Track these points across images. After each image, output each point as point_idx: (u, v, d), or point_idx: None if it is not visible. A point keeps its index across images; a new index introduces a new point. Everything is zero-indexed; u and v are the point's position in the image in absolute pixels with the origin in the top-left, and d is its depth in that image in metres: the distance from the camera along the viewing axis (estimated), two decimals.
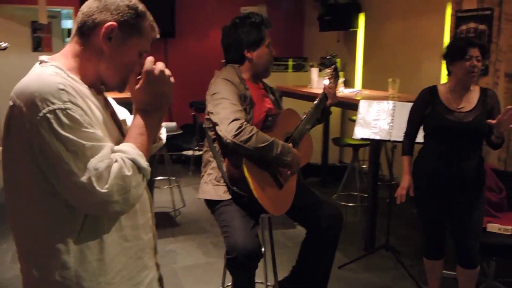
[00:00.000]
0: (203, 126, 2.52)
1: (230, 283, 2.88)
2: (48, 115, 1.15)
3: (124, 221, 1.36)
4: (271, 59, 2.57)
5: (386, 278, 3.61)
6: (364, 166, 5.47)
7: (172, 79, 1.36)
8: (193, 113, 6.22)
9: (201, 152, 3.00)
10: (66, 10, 7.16)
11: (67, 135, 1.16)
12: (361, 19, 6.22)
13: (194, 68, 6.77)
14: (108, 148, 1.23)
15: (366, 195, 4.88)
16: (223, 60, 6.57)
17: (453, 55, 2.70)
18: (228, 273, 2.75)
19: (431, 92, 2.83)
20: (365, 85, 6.08)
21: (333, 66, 2.87)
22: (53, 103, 1.16)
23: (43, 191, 1.23)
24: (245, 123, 2.24)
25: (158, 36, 1.40)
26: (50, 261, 1.25)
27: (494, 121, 2.47)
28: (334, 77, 2.79)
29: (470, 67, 2.64)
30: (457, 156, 2.71)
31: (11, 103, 1.20)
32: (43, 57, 1.30)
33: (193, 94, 6.09)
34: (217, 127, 2.30)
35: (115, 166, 1.21)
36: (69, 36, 7.37)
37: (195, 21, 6.86)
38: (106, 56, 1.30)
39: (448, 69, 2.79)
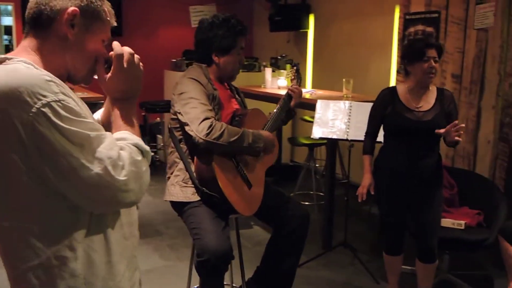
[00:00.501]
0: (169, 127, 2.47)
1: (196, 286, 2.86)
2: (43, 109, 1.05)
3: (123, 218, 1.30)
4: (239, 66, 2.56)
5: (345, 274, 3.69)
6: (317, 165, 5.55)
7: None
8: (143, 114, 6.11)
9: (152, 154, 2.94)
10: (5, 6, 6.85)
11: (70, 127, 1.07)
12: (311, 20, 6.31)
13: (143, 68, 6.62)
14: (111, 136, 1.17)
15: (322, 194, 4.98)
16: (174, 60, 6.50)
17: (412, 56, 2.78)
18: (193, 276, 2.74)
19: (391, 92, 2.91)
20: (315, 85, 6.17)
21: (295, 68, 2.89)
22: (45, 96, 1.06)
23: (42, 196, 1.13)
24: (215, 121, 2.23)
25: (115, 23, 1.34)
26: (57, 272, 1.16)
27: (442, 131, 2.58)
28: (297, 78, 2.81)
29: (429, 68, 2.73)
30: (416, 154, 2.80)
31: None
32: (1, 56, 1.19)
33: (143, 94, 5.80)
34: (186, 127, 2.26)
35: (125, 153, 1.16)
36: (7, 34, 7.07)
37: (143, 19, 6.71)
38: (70, 45, 1.22)
39: (406, 70, 2.88)
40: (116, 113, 1.28)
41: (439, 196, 2.90)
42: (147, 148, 1.23)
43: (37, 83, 1.07)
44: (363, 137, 3.09)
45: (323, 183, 5.08)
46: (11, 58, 1.16)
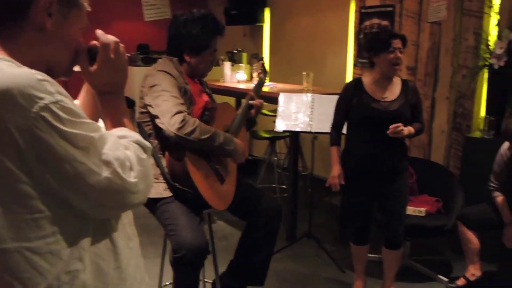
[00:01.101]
0: (137, 121, 2.42)
1: (168, 283, 2.83)
2: (42, 113, 0.96)
3: (124, 218, 1.23)
4: (211, 65, 2.51)
5: (311, 265, 3.74)
6: (276, 158, 5.59)
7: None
8: None
9: None
10: None
11: (73, 130, 0.99)
12: (267, 13, 6.34)
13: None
14: (113, 136, 1.10)
15: (284, 187, 5.03)
16: (128, 54, 6.37)
17: (377, 47, 2.84)
18: (164, 272, 2.71)
19: (356, 84, 2.96)
20: (272, 79, 6.18)
21: (261, 62, 2.89)
22: (41, 98, 0.96)
23: (46, 208, 1.03)
24: (187, 115, 2.20)
25: (89, 8, 1.23)
26: (67, 286, 1.06)
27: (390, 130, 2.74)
28: (263, 72, 2.81)
29: (394, 59, 2.80)
30: (383, 144, 2.87)
31: None
32: None
33: None
34: (157, 120, 2.22)
35: (130, 152, 1.09)
36: None
37: (95, 13, 6.48)
38: (49, 36, 1.11)
39: (371, 61, 2.93)
40: (107, 108, 1.22)
41: (404, 184, 2.99)
42: (148, 144, 1.18)
43: (29, 83, 0.96)
44: (326, 129, 3.13)
45: (284, 176, 5.13)
46: None
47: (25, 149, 0.97)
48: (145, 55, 5.90)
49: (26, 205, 1.01)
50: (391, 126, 2.73)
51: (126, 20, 6.61)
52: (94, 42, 1.20)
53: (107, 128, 1.20)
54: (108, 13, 6.48)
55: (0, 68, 1.00)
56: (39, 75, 0.99)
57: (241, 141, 2.46)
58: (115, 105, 1.22)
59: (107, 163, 1.03)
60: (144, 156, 1.13)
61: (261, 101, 2.66)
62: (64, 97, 1.01)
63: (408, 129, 2.79)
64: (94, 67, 1.19)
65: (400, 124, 2.74)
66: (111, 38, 1.19)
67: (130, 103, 5.95)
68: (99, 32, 1.20)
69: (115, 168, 1.03)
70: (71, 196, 1.03)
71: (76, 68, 1.24)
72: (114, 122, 1.20)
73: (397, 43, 2.79)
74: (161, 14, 6.74)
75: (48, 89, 0.98)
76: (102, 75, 1.19)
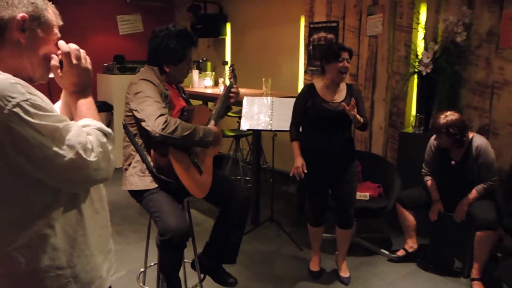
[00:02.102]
0: (123, 123, 2.41)
1: (152, 263, 2.82)
2: (14, 109, 1.04)
3: (93, 194, 1.31)
4: (187, 73, 2.52)
5: (274, 245, 3.79)
6: (239, 154, 5.62)
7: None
8: None
9: None
10: None
11: (40, 122, 1.07)
12: (228, 27, 6.35)
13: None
14: (77, 124, 1.18)
15: (248, 178, 5.06)
16: (106, 64, 6.24)
17: (329, 57, 2.92)
18: (149, 254, 2.70)
19: (310, 88, 3.03)
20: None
21: (231, 68, 2.91)
22: (13, 98, 1.04)
23: (23, 186, 1.12)
24: (169, 117, 2.20)
25: (61, 22, 1.31)
26: (40, 248, 1.15)
27: (347, 108, 2.79)
28: (234, 77, 2.84)
29: (342, 68, 2.89)
30: (333, 138, 2.95)
31: None
32: None
33: None
34: (143, 123, 2.21)
35: (91, 137, 1.18)
36: None
37: (72, 28, 6.36)
38: (24, 48, 1.19)
39: (323, 68, 3.01)
40: (77, 104, 1.29)
41: (353, 171, 3.07)
42: (109, 130, 1.26)
43: (4, 87, 1.05)
44: (285, 127, 3.18)
45: (248, 169, 5.17)
46: None
47: (3, 141, 1.04)
48: (121, 65, 5.80)
49: (8, 185, 1.10)
50: (350, 105, 2.79)
51: (103, 33, 6.46)
52: (59, 51, 1.27)
53: (79, 118, 1.27)
54: (88, 27, 6.33)
55: None
56: (12, 79, 1.08)
57: (217, 129, 2.49)
58: (84, 101, 1.29)
59: (71, 147, 1.11)
60: (104, 140, 1.21)
61: (237, 88, 2.72)
62: (33, 96, 1.09)
63: (359, 116, 2.88)
64: (61, 73, 1.27)
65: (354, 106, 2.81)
66: (72, 46, 1.27)
67: (108, 107, 5.85)
68: (60, 42, 1.27)
69: (78, 150, 1.12)
70: (44, 175, 1.11)
71: (51, 75, 1.31)
72: (82, 115, 1.27)
73: (345, 55, 2.89)
74: (134, 28, 6.66)
75: (19, 90, 1.06)
76: (69, 78, 1.28)
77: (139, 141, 2.36)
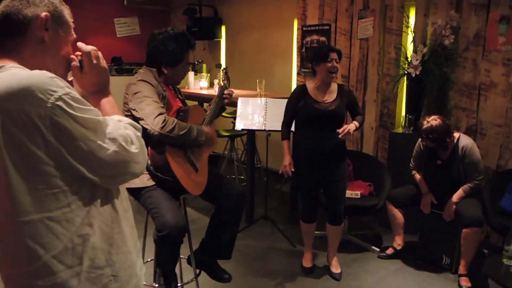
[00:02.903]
0: None
1: (149, 259, 2.84)
2: (58, 102, 1.01)
3: (122, 193, 1.28)
4: (184, 75, 2.55)
5: (267, 241, 3.82)
6: (234, 153, 5.65)
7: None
8: None
9: None
10: None
11: (83, 115, 1.06)
12: (223, 30, 6.38)
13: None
14: (113, 119, 1.17)
15: (242, 177, 5.09)
16: None
17: (318, 58, 2.97)
18: (146, 250, 2.73)
19: (302, 89, 3.07)
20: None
21: (224, 71, 2.95)
22: (55, 91, 1.02)
23: (65, 183, 1.07)
24: (167, 116, 2.23)
25: (73, 25, 1.30)
26: (81, 249, 1.11)
27: (340, 131, 2.87)
28: (227, 79, 2.87)
29: (331, 67, 2.93)
30: (324, 136, 2.98)
31: None
32: None
33: None
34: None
35: (129, 131, 1.17)
36: None
37: (74, 30, 6.36)
38: (48, 46, 1.18)
39: (313, 70, 3.05)
40: (100, 102, 1.28)
41: (344, 170, 3.11)
42: (139, 126, 1.26)
43: (44, 80, 1.02)
44: (279, 127, 3.22)
45: (242, 169, 5.20)
46: (2, 66, 1.10)
47: (48, 135, 1.02)
48: (119, 66, 5.82)
49: (47, 182, 1.05)
50: (339, 131, 2.85)
51: (101, 36, 6.47)
52: (78, 53, 1.27)
53: (110, 113, 1.26)
54: (86, 30, 6.33)
55: (15, 72, 1.07)
56: (50, 73, 1.06)
57: (211, 134, 2.52)
58: (106, 100, 1.29)
59: (113, 140, 1.11)
60: (139, 134, 1.22)
61: (232, 90, 2.73)
62: (72, 90, 1.07)
63: (354, 125, 2.93)
64: (83, 73, 1.26)
65: (345, 126, 2.87)
66: (90, 47, 1.27)
67: None
68: (80, 44, 1.27)
69: (120, 143, 1.12)
70: (85, 169, 1.08)
71: (70, 78, 1.30)
72: (108, 112, 1.26)
73: (333, 55, 2.93)
74: (131, 31, 6.67)
75: (59, 84, 1.05)
76: (90, 78, 1.27)
77: None
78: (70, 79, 1.31)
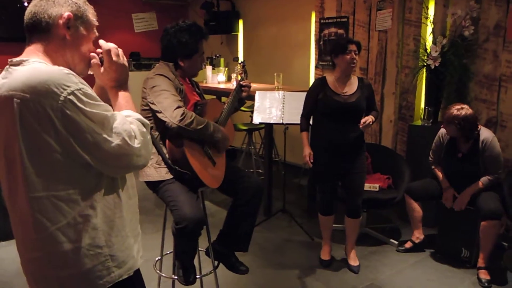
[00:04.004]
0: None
1: (168, 252, 2.90)
2: (69, 97, 1.13)
3: (128, 181, 1.38)
4: (201, 66, 2.58)
5: (285, 234, 3.86)
6: (252, 147, 5.68)
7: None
8: None
9: None
10: None
11: (92, 110, 1.16)
12: (241, 24, 6.40)
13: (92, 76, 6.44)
14: (121, 114, 1.26)
15: (260, 171, 5.13)
16: None
17: (337, 50, 2.97)
18: (165, 243, 2.78)
19: (322, 81, 3.09)
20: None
21: (242, 64, 2.97)
22: (69, 86, 1.13)
23: (71, 168, 1.19)
24: (186, 109, 2.27)
25: (97, 23, 1.39)
26: (82, 227, 1.23)
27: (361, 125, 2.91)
28: (244, 72, 2.89)
29: (350, 59, 2.93)
30: (343, 129, 3.00)
31: (16, 100, 1.12)
32: (15, 59, 1.24)
33: None
34: (160, 115, 2.27)
35: (134, 126, 1.26)
36: None
37: None
38: (69, 44, 1.28)
39: (333, 62, 3.06)
40: (116, 97, 1.37)
41: (362, 163, 3.12)
42: (147, 121, 1.34)
43: (60, 76, 1.14)
44: (296, 120, 3.23)
45: (260, 162, 5.24)
46: (26, 60, 1.22)
47: (59, 125, 1.14)
48: (137, 62, 5.91)
49: (55, 166, 1.18)
50: (362, 121, 2.90)
51: (119, 31, 6.57)
52: (99, 50, 1.36)
53: (119, 110, 1.34)
54: (104, 26, 6.41)
55: (38, 67, 1.19)
56: (66, 70, 1.18)
57: (226, 130, 2.55)
58: (123, 95, 1.38)
59: (118, 134, 1.21)
60: (144, 129, 1.30)
61: (249, 81, 2.75)
62: (85, 86, 1.18)
63: (370, 118, 2.94)
64: (102, 68, 1.36)
65: (366, 118, 2.90)
66: (111, 45, 1.36)
67: None
68: (101, 41, 1.36)
69: (124, 137, 1.21)
70: (91, 159, 1.20)
71: (90, 72, 1.40)
72: (122, 107, 1.36)
73: (352, 47, 2.93)
74: (149, 26, 6.75)
75: (73, 80, 1.16)
76: (110, 74, 1.36)
77: (155, 133, 2.43)
78: (91, 73, 1.40)
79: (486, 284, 2.99)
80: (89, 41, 1.34)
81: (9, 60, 1.24)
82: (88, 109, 1.15)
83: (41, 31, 1.26)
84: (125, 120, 1.25)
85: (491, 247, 3.05)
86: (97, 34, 1.37)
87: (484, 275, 3.03)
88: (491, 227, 2.99)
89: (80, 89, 1.15)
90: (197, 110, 2.49)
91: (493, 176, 3.13)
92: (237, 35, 6.48)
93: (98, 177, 1.25)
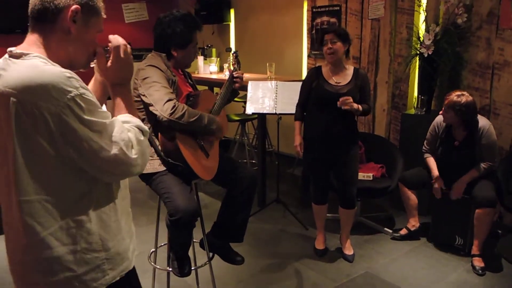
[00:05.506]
0: None
1: (163, 243, 2.89)
2: (68, 103, 1.09)
3: (122, 182, 1.36)
4: (194, 57, 2.54)
5: (280, 224, 3.86)
6: (245, 138, 5.66)
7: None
8: None
9: None
10: None
11: (90, 118, 1.13)
12: (232, 13, 6.34)
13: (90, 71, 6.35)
14: (120, 121, 1.23)
15: (254, 161, 5.12)
16: None
17: (319, 43, 3.01)
18: (159, 235, 2.77)
19: (316, 70, 3.08)
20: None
21: (235, 54, 2.94)
22: (69, 91, 1.09)
23: (64, 173, 1.16)
24: (177, 102, 2.24)
25: (104, 16, 1.34)
26: (75, 232, 1.20)
27: (338, 103, 2.85)
28: (237, 62, 2.87)
29: (327, 49, 2.93)
30: (336, 119, 2.99)
31: (13, 99, 1.07)
32: (13, 49, 1.18)
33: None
34: (151, 108, 2.25)
35: (131, 134, 1.22)
36: None
37: None
38: (73, 38, 1.22)
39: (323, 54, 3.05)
40: (118, 96, 1.32)
41: (355, 153, 3.11)
42: (146, 128, 1.31)
43: (61, 80, 1.09)
44: (289, 110, 3.23)
45: (254, 153, 5.23)
46: (27, 54, 1.17)
47: (54, 130, 1.10)
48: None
49: (48, 170, 1.15)
50: (341, 98, 2.85)
51: (109, 22, 6.39)
52: (110, 44, 1.31)
53: (117, 112, 1.31)
54: None
55: (37, 65, 1.13)
56: (68, 73, 1.12)
57: (220, 119, 2.53)
58: (125, 94, 1.34)
59: (115, 143, 1.18)
60: (142, 138, 1.27)
61: (242, 72, 2.72)
62: (86, 90, 1.14)
63: (357, 105, 2.92)
64: (109, 63, 1.30)
65: (349, 97, 2.86)
66: (121, 41, 1.31)
67: None
68: (111, 36, 1.31)
69: (121, 147, 1.18)
70: (86, 166, 1.17)
71: (92, 65, 1.35)
72: (122, 108, 1.32)
73: (328, 37, 2.93)
74: (139, 16, 6.67)
75: (74, 85, 1.11)
76: (115, 70, 1.31)
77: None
78: (92, 66, 1.37)
79: (480, 271, 3.01)
80: (94, 36, 1.29)
81: (9, 49, 1.19)
82: (86, 117, 1.12)
83: (45, 21, 1.21)
84: (123, 128, 1.21)
85: (485, 234, 3.07)
86: (103, 29, 1.31)
87: (478, 263, 3.06)
88: (486, 215, 3.01)
89: (80, 95, 1.11)
90: (189, 102, 2.46)
91: (488, 164, 3.14)
92: (228, 24, 6.42)
93: (92, 182, 1.22)
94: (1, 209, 1.25)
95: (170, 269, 2.51)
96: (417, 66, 4.08)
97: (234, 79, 2.67)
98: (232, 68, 2.86)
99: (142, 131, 1.28)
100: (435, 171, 3.31)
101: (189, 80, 2.66)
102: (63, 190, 1.18)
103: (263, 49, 5.91)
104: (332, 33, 2.94)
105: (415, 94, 4.23)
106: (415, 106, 3.95)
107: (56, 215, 1.18)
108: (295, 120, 3.14)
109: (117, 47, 1.29)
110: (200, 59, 5.25)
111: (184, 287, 2.93)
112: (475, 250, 3.11)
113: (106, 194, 1.28)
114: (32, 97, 1.07)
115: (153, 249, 2.74)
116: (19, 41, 1.27)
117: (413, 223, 3.49)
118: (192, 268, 2.56)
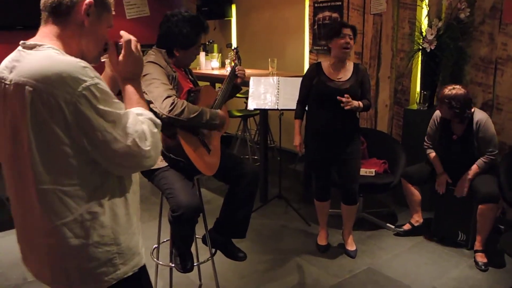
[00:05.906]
0: None
1: (165, 239, 2.90)
2: (84, 92, 1.10)
3: (133, 176, 1.36)
4: (194, 58, 2.54)
5: (282, 220, 3.86)
6: (247, 134, 5.65)
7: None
8: None
9: None
10: None
11: (105, 108, 1.14)
12: (234, 9, 6.32)
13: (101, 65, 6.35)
14: (134, 113, 1.23)
15: (256, 157, 5.12)
16: None
17: (331, 34, 2.95)
18: (162, 231, 2.78)
19: (317, 66, 3.06)
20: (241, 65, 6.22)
21: (235, 50, 2.93)
22: (84, 81, 1.11)
23: (79, 164, 1.17)
24: (176, 99, 2.24)
25: (113, 12, 1.37)
26: (89, 225, 1.21)
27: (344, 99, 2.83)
28: (238, 58, 2.86)
29: (345, 43, 2.90)
30: (337, 115, 2.98)
31: (29, 88, 1.10)
32: (28, 42, 1.20)
33: None
34: (151, 105, 2.24)
35: (145, 126, 1.23)
36: None
37: None
38: (86, 31, 1.25)
39: (328, 47, 3.03)
40: (129, 90, 1.33)
41: (357, 149, 3.11)
42: (159, 121, 1.31)
43: (76, 69, 1.11)
44: (291, 106, 3.21)
45: (256, 149, 5.22)
46: (41, 45, 1.18)
47: (70, 119, 1.11)
48: None
49: (63, 159, 1.16)
50: (342, 99, 2.83)
51: None
52: (122, 39, 1.33)
53: (128, 106, 1.31)
54: None
55: (51, 55, 1.15)
56: (83, 63, 1.14)
57: (223, 113, 2.53)
58: (136, 88, 1.35)
59: (129, 135, 1.17)
60: (155, 130, 1.27)
61: (243, 68, 2.72)
62: (100, 81, 1.15)
63: (357, 102, 2.91)
64: (120, 58, 1.32)
65: (349, 98, 2.84)
66: (132, 37, 1.34)
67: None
68: (123, 32, 1.33)
69: (135, 139, 1.18)
70: (99, 157, 1.18)
71: (103, 59, 1.38)
72: (133, 102, 1.32)
73: (347, 31, 2.90)
74: (140, 12, 6.64)
75: (89, 74, 1.13)
76: (126, 65, 1.33)
77: None
78: (102, 61, 1.39)
79: (483, 267, 3.01)
80: (105, 30, 1.32)
81: (22, 42, 1.21)
82: (101, 106, 1.13)
83: (59, 14, 1.23)
84: (137, 120, 1.22)
85: (488, 230, 3.07)
86: (113, 24, 1.34)
87: (481, 258, 3.06)
88: (489, 210, 3.00)
89: (96, 84, 1.13)
90: (190, 97, 2.46)
91: (488, 158, 3.14)
92: (230, 20, 6.40)
93: (105, 175, 1.23)
94: (13, 197, 1.26)
95: (173, 265, 2.51)
96: (419, 61, 4.06)
97: (236, 74, 2.67)
98: (232, 64, 2.84)
99: (155, 123, 1.29)
100: (440, 168, 3.30)
101: (190, 76, 2.65)
102: (77, 181, 1.18)
103: (265, 44, 5.89)
104: (350, 29, 2.93)
105: (418, 89, 4.21)
106: (418, 101, 3.93)
107: (71, 206, 1.19)
108: (295, 118, 3.13)
109: (128, 41, 1.32)
110: (202, 55, 5.23)
111: (186, 283, 2.93)
112: (478, 245, 3.11)
113: (119, 188, 1.29)
114: (48, 86, 1.09)
115: (156, 245, 2.75)
116: (20, 38, 1.28)
117: (417, 219, 3.49)
118: (195, 264, 2.57)
